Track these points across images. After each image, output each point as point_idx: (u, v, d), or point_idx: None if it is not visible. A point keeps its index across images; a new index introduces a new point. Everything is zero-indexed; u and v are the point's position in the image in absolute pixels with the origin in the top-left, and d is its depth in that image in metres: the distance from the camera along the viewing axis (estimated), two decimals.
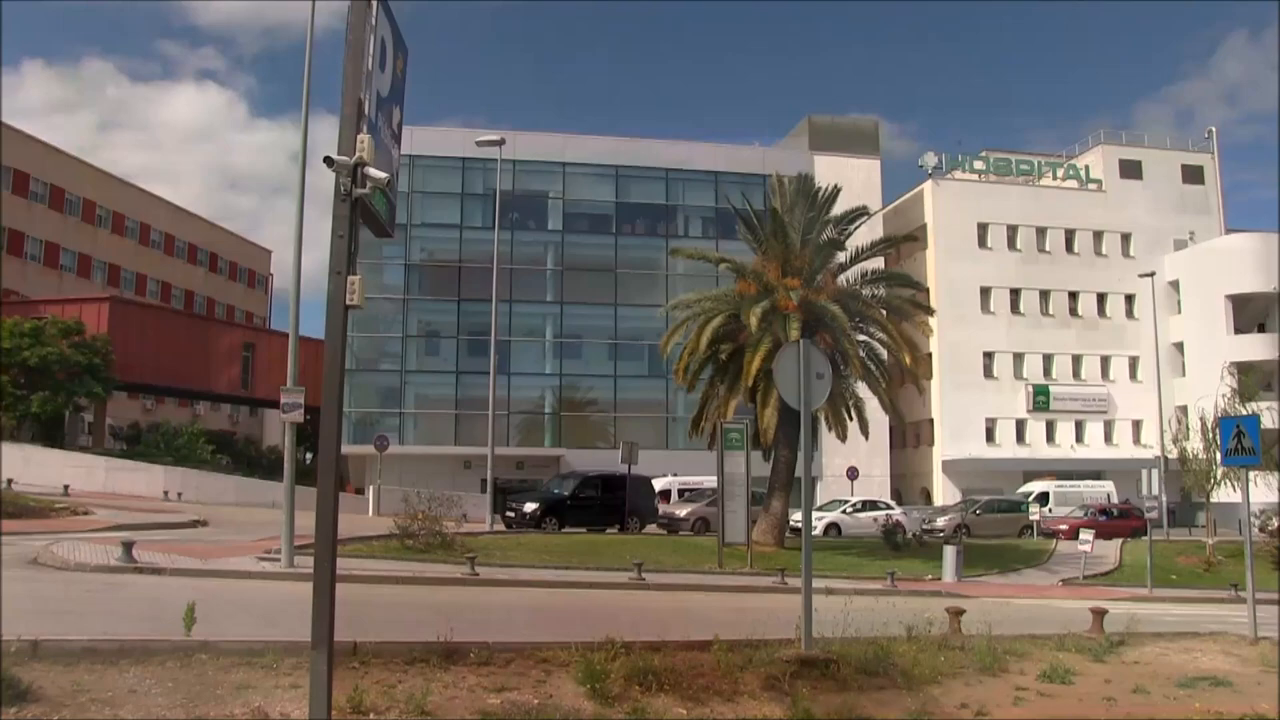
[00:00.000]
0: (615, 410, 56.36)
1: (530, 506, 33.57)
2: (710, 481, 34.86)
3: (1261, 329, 60.47)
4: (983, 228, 61.73)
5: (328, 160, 6.10)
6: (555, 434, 55.82)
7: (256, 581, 17.46)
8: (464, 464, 50.21)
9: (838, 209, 33.54)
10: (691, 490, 41.63)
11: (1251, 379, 49.79)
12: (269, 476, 45.19)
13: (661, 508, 38.17)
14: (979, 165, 63.56)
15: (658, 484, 40.33)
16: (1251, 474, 18.38)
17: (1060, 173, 64.84)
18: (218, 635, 10.10)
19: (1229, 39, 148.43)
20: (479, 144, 38.16)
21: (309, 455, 45.71)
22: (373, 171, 6.17)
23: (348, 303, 6.20)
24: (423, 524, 24.69)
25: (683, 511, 37.70)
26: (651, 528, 35.94)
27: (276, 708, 7.92)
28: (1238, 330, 59.89)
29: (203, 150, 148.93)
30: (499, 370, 41.24)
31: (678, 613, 17.08)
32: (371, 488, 41.24)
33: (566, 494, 35.02)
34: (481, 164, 51.74)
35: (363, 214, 6.39)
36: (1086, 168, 64.93)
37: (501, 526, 33.24)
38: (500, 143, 36.56)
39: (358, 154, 6.11)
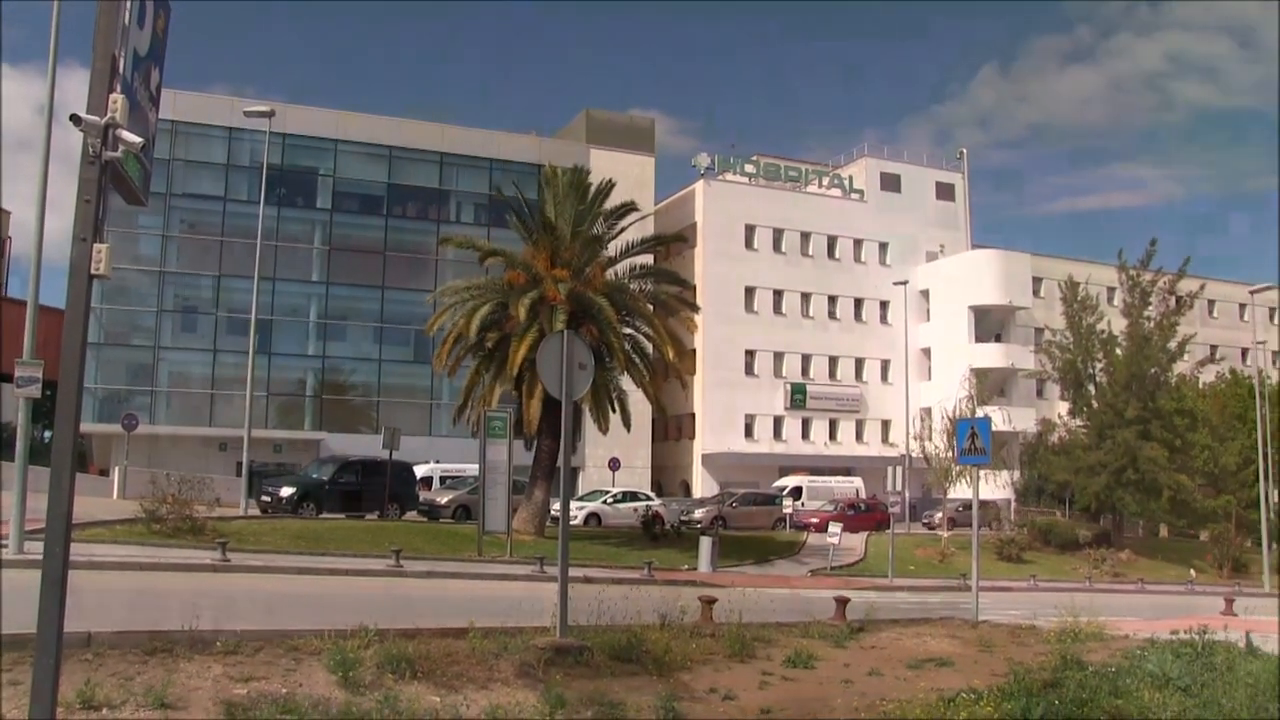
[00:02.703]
0: (379, 395, 55.35)
1: (287, 491, 32.56)
2: (473, 469, 34.69)
3: (998, 339, 64.67)
4: (750, 229, 63.48)
5: (75, 118, 5.70)
6: (316, 417, 54.36)
7: None
8: (219, 446, 48.32)
9: (610, 203, 33.86)
10: (454, 477, 41.37)
11: (986, 384, 53.20)
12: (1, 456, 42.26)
13: (423, 494, 37.83)
14: (749, 169, 65.37)
15: (420, 470, 39.92)
16: (982, 471, 19.67)
17: (825, 181, 67.42)
18: None
19: (984, 69, 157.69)
20: (247, 114, 36.79)
21: (48, 433, 42.98)
22: (125, 134, 5.82)
23: (93, 272, 5.84)
24: (171, 507, 23.67)
25: (444, 499, 37.39)
26: (412, 514, 35.52)
27: None
28: (978, 339, 63.80)
29: None
30: (259, 350, 39.95)
31: (435, 600, 16.94)
32: (117, 469, 39.08)
33: (325, 479, 34.12)
34: (249, 135, 49.83)
35: (113, 178, 6.02)
36: (850, 178, 67.78)
37: (257, 511, 32.10)
38: (270, 114, 35.30)
39: (109, 114, 5.75)
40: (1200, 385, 55.05)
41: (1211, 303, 70.62)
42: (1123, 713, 10.50)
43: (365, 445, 43.32)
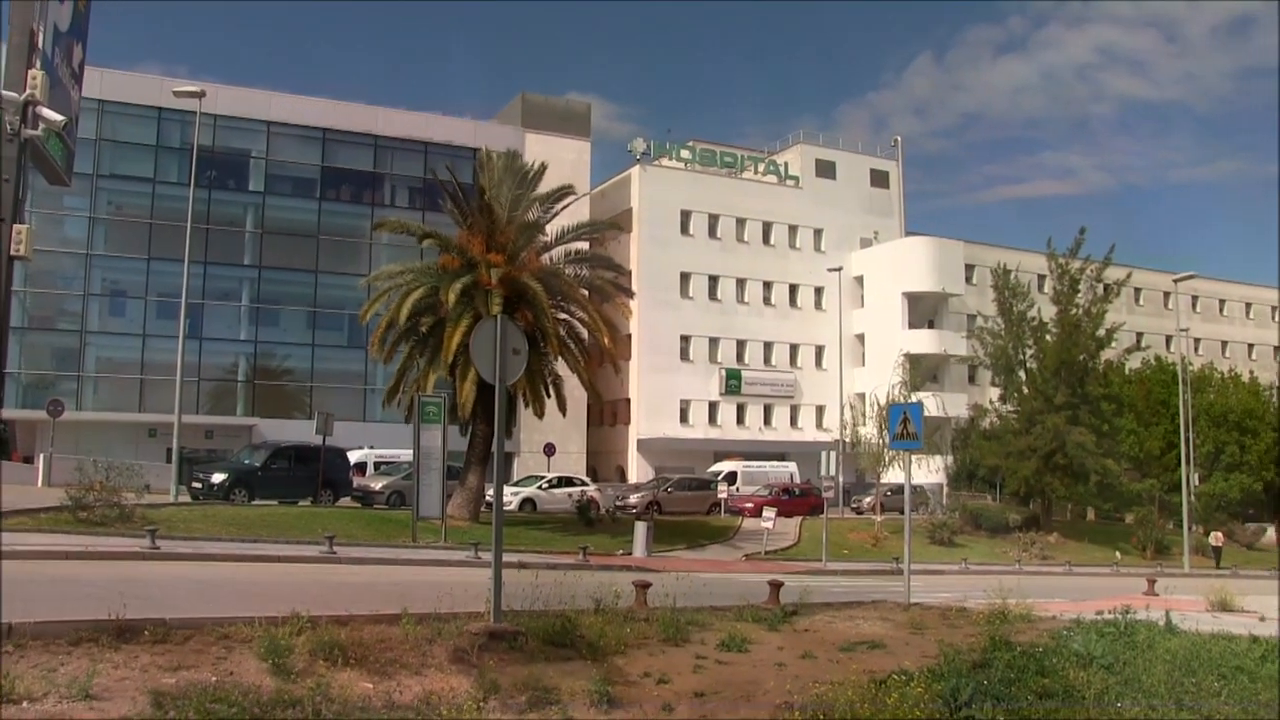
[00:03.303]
0: (312, 380, 54.72)
1: (219, 477, 32.20)
2: (407, 455, 34.46)
3: (931, 325, 65.43)
4: (686, 215, 63.53)
5: None
6: (248, 403, 53.63)
7: None
8: (149, 432, 47.58)
9: (546, 187, 33.75)
10: (388, 463, 41.04)
11: (919, 370, 53.80)
12: None
13: (356, 480, 37.54)
14: (685, 155, 65.45)
15: (353, 456, 39.58)
16: (914, 456, 19.91)
17: (761, 167, 67.74)
18: None
19: (919, 58, 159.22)
20: (176, 94, 36.17)
21: None
22: (46, 112, 5.68)
23: (13, 254, 5.71)
24: (99, 495, 23.25)
25: (378, 484, 37.13)
26: (346, 501, 35.26)
27: None
28: (911, 325, 64.46)
29: None
30: (190, 335, 39.32)
31: (369, 587, 16.84)
32: (42, 456, 38.24)
33: (258, 465, 33.80)
34: (179, 116, 48.79)
35: (34, 157, 5.88)
36: (786, 164, 68.12)
37: (188, 498, 31.66)
38: (200, 94, 34.71)
39: (29, 90, 5.61)
40: (1126, 372, 56.19)
41: (1138, 291, 72.09)
42: (1049, 691, 10.72)
43: (299, 431, 42.92)
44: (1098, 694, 10.64)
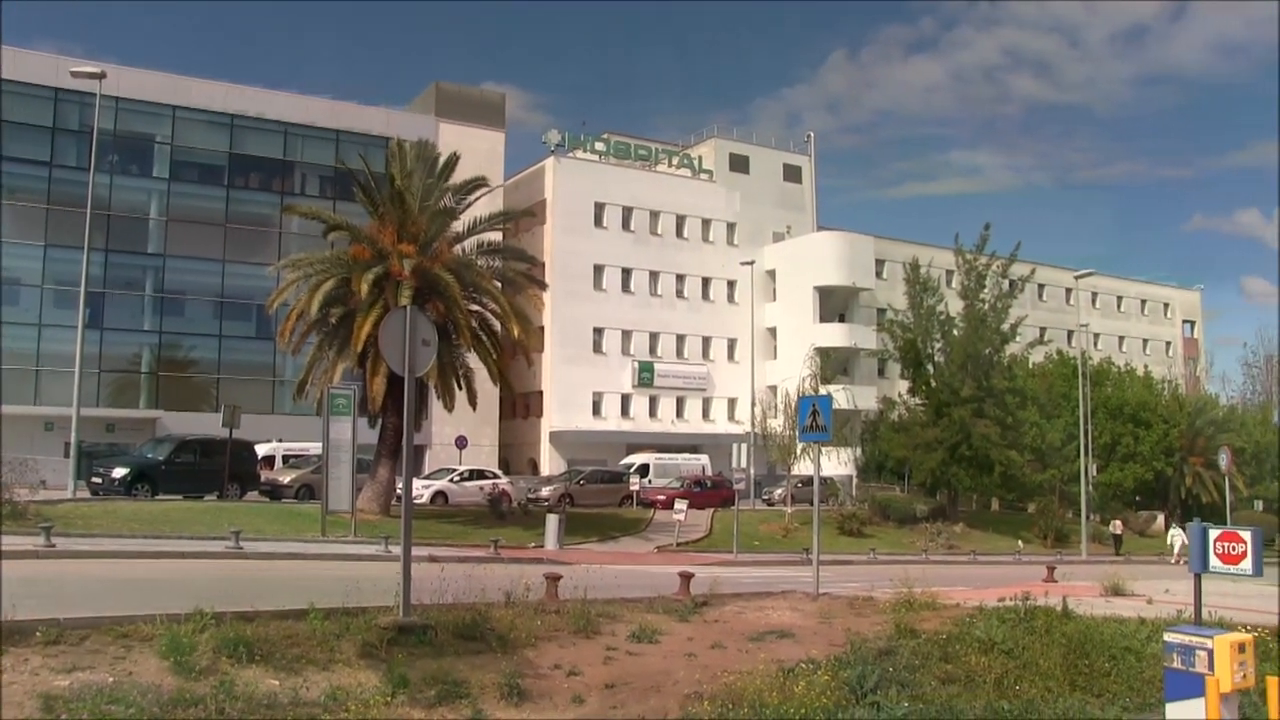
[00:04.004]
0: (219, 372, 53.61)
1: (120, 472, 31.49)
2: (316, 448, 34.04)
3: (842, 319, 66.24)
4: (600, 207, 63.41)
5: None
6: (152, 395, 52.36)
7: None
8: (45, 425, 46.20)
9: (459, 178, 33.47)
10: (297, 456, 40.48)
11: (830, 363, 54.43)
12: None
13: (265, 474, 36.96)
14: (600, 147, 65.36)
15: (262, 449, 38.99)
16: (824, 448, 20.15)
17: (675, 161, 67.91)
18: None
19: (833, 55, 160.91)
20: (74, 74, 35.31)
21: None
22: None
23: None
24: None
25: (286, 478, 36.68)
26: (254, 495, 34.67)
27: None
28: (822, 319, 65.14)
29: None
30: (90, 325, 38.34)
31: (276, 582, 16.57)
32: None
33: (161, 458, 33.08)
34: (78, 97, 47.42)
35: None
36: (699, 158, 68.35)
37: (87, 494, 30.91)
38: (100, 76, 33.87)
39: None
40: (1030, 365, 57.44)
41: (1041, 287, 73.76)
42: (952, 676, 11.00)
43: (205, 424, 42.04)
44: (998, 678, 10.96)
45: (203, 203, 53.86)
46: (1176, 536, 44.38)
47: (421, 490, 38.65)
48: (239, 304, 53.53)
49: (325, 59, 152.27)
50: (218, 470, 32.92)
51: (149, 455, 33.95)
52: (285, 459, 40.87)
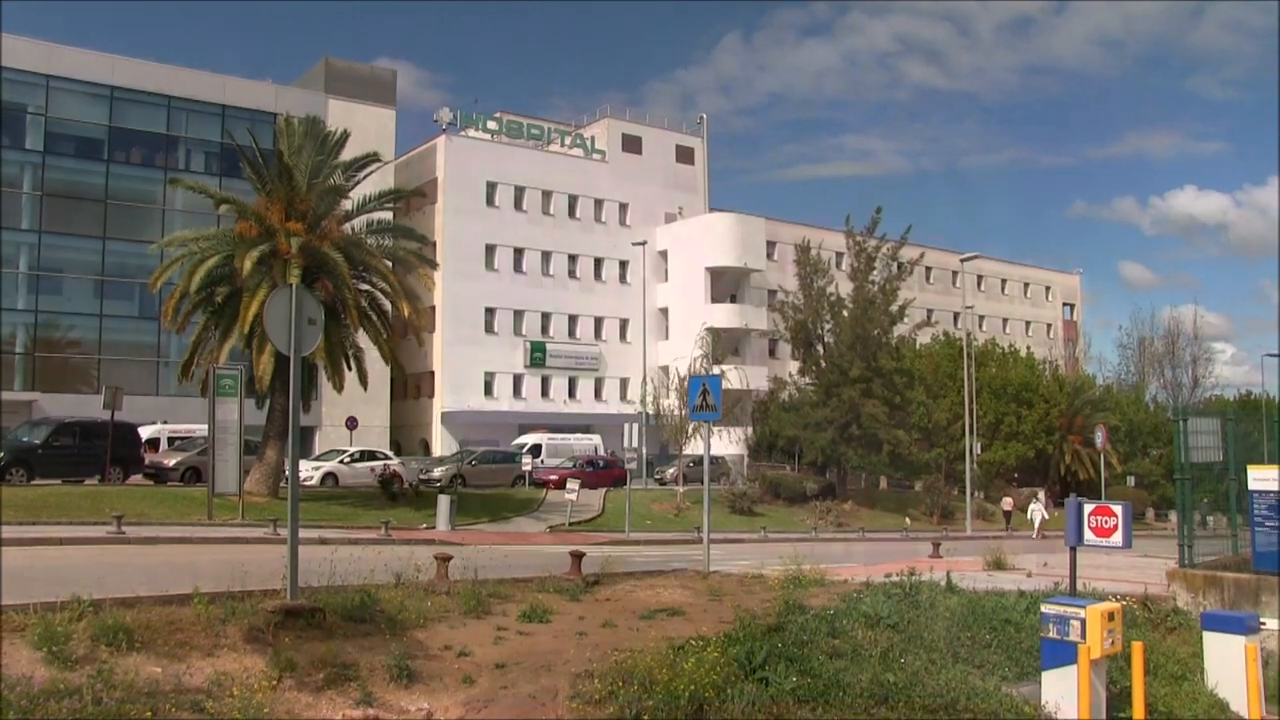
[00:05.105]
0: (100, 352, 52.02)
1: None
2: (202, 429, 33.33)
3: (734, 300, 66.85)
4: (492, 186, 62.96)
5: None
6: (28, 377, 50.60)
7: None
8: None
9: (349, 155, 32.98)
10: (183, 439, 39.55)
11: (721, 343, 54.98)
12: None
13: (149, 457, 36.03)
14: (492, 126, 64.87)
15: (145, 432, 38.01)
16: (716, 428, 20.37)
17: (568, 141, 67.74)
18: None
19: (727, 37, 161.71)
20: None
21: None
22: None
23: None
24: None
25: (171, 461, 35.79)
26: (137, 478, 33.80)
27: None
28: (714, 299, 65.71)
29: None
30: None
31: (160, 567, 16.25)
32: None
33: (38, 442, 32.04)
34: None
35: None
36: (593, 138, 68.26)
37: None
38: None
39: None
40: (917, 346, 58.71)
41: (929, 269, 75.21)
42: (839, 651, 11.26)
43: (85, 406, 40.99)
44: (884, 651, 11.25)
45: (81, 177, 52.12)
46: (1036, 511, 46.02)
47: (311, 472, 38.12)
48: (121, 282, 52.00)
49: (211, 31, 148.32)
50: (99, 454, 32.03)
51: (24, 439, 32.78)
52: (170, 441, 39.91)
